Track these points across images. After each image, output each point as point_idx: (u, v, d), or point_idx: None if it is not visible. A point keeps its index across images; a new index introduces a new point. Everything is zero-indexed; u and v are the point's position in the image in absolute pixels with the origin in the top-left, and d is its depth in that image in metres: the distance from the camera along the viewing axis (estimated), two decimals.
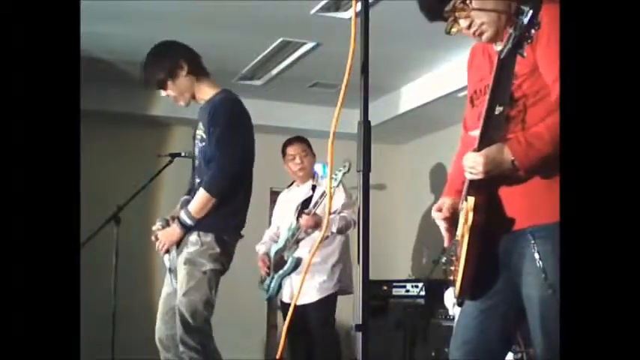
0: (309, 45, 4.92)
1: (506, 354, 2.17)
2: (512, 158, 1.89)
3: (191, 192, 3.27)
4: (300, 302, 4.22)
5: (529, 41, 1.83)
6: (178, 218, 3.18)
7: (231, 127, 3.15)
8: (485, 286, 2.05)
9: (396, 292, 5.51)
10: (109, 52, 5.13)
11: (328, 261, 4.47)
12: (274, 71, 5.45)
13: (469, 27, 2.01)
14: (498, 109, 1.90)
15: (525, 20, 1.83)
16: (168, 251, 3.23)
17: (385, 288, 5.55)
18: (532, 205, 1.95)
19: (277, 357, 2.51)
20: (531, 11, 1.83)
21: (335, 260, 4.49)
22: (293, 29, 4.73)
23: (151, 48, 3.37)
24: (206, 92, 3.30)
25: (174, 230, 3.19)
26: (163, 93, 3.32)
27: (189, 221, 3.14)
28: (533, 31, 1.82)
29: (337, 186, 4.31)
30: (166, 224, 3.27)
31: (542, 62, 1.92)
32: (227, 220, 3.20)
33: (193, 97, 3.32)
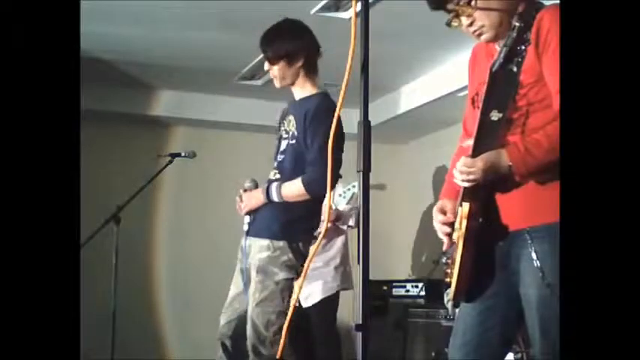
0: None
1: (505, 355, 2.17)
2: (510, 164, 1.89)
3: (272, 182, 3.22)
4: (303, 305, 4.27)
5: (520, 59, 1.85)
6: (267, 188, 3.17)
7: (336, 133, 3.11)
8: (480, 290, 2.06)
9: (396, 292, 5.51)
10: (109, 52, 5.13)
11: (330, 264, 4.51)
12: None
13: (470, 25, 2.02)
14: (497, 115, 1.91)
15: (514, 35, 1.85)
16: (248, 213, 3.23)
17: (385, 288, 5.55)
18: (529, 205, 1.96)
19: (277, 357, 2.51)
20: (520, 27, 1.85)
21: (337, 264, 4.54)
22: None
23: (284, 20, 3.30)
24: (307, 89, 3.26)
25: (259, 197, 3.18)
26: (266, 66, 3.28)
27: (275, 197, 3.14)
28: (523, 47, 1.84)
29: (347, 204, 4.32)
30: (254, 187, 3.26)
31: (547, 72, 1.92)
32: (297, 226, 3.18)
33: (291, 84, 3.28)
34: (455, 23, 2.03)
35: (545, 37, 1.90)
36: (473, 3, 1.99)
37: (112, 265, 4.39)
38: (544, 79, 1.93)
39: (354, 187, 4.12)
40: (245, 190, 3.27)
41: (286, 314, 3.14)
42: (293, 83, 3.27)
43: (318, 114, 3.12)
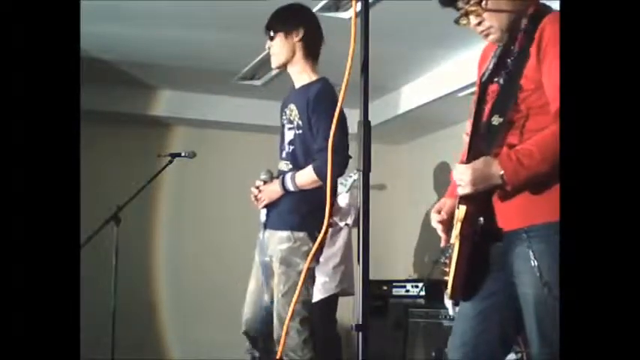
0: None
1: (505, 355, 2.17)
2: (502, 173, 1.90)
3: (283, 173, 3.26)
4: None
5: (507, 70, 1.87)
6: (283, 178, 3.20)
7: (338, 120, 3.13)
8: (477, 289, 2.06)
9: (396, 292, 5.51)
10: (109, 52, 5.13)
11: (329, 263, 4.50)
12: (274, 71, 5.45)
13: (478, 25, 2.03)
14: (498, 120, 1.92)
15: (501, 47, 1.87)
16: (265, 206, 3.26)
17: (385, 288, 5.55)
18: (526, 205, 1.96)
19: (277, 357, 2.52)
20: (508, 39, 1.86)
21: (337, 262, 4.53)
22: None
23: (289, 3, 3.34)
24: (306, 74, 3.26)
25: (276, 189, 3.21)
26: (267, 44, 3.28)
27: (291, 187, 3.17)
28: (509, 60, 1.86)
29: (347, 192, 4.34)
30: (270, 178, 3.28)
31: (545, 80, 1.93)
32: (315, 216, 3.14)
33: (287, 60, 3.25)
34: (464, 22, 2.04)
35: (546, 46, 1.92)
36: (483, 4, 2.00)
37: (112, 265, 4.39)
38: (543, 87, 1.94)
39: (354, 173, 4.12)
40: (265, 182, 3.29)
41: (310, 303, 3.18)
42: (289, 61, 3.25)
43: (320, 101, 3.14)
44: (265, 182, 3.28)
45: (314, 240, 3.15)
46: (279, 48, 3.23)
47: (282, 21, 3.22)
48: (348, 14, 4.28)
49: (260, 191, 3.26)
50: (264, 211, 3.28)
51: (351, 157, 3.27)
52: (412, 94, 5.83)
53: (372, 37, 1.83)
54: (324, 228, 2.08)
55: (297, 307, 3.10)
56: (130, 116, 6.02)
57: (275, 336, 3.15)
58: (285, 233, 3.17)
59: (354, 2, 1.85)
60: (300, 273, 3.11)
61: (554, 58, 1.88)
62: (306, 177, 3.15)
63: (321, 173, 3.10)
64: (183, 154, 4.65)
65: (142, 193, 4.47)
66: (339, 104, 1.87)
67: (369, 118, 1.83)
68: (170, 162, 4.61)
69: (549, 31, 1.92)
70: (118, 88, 5.77)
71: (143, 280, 5.98)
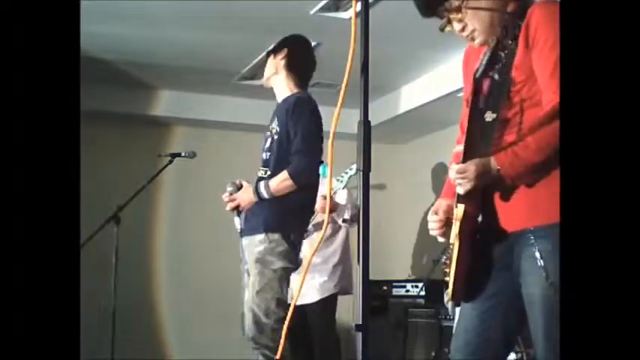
0: None
1: (507, 355, 2.17)
2: (498, 168, 1.90)
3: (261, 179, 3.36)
4: (300, 302, 4.25)
5: (499, 65, 1.88)
6: (256, 187, 3.27)
7: (315, 124, 3.30)
8: (479, 290, 2.05)
9: (396, 292, 5.51)
10: (109, 52, 5.14)
11: (329, 261, 4.49)
12: None
13: (462, 30, 2.04)
14: (491, 116, 1.92)
15: (494, 43, 1.88)
16: (238, 213, 3.33)
17: (385, 288, 5.56)
18: (531, 206, 1.96)
19: (277, 357, 2.52)
20: (501, 34, 1.87)
21: (336, 261, 4.52)
22: (293, 29, 4.72)
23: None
24: (288, 89, 3.41)
25: (251, 195, 3.27)
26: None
27: (265, 194, 3.24)
28: (502, 54, 1.86)
29: (344, 188, 4.34)
30: (236, 189, 3.34)
31: (537, 68, 1.93)
32: (291, 219, 3.28)
33: (271, 74, 3.45)
34: (448, 28, 2.05)
35: (534, 33, 1.92)
36: (463, 9, 2.00)
37: (112, 265, 4.39)
38: (535, 76, 1.94)
39: (351, 169, 4.13)
40: (231, 194, 3.34)
41: (285, 302, 3.19)
42: (272, 76, 3.42)
43: (298, 107, 3.28)
44: (232, 194, 3.34)
45: (288, 241, 3.23)
46: (267, 66, 3.46)
47: (274, 46, 3.49)
48: (348, 14, 4.28)
49: (233, 199, 3.32)
50: (237, 220, 3.34)
51: (322, 162, 3.39)
52: (412, 94, 5.84)
53: (371, 38, 1.84)
54: (324, 226, 2.08)
55: (271, 305, 3.15)
56: (130, 116, 6.02)
57: (250, 334, 3.17)
58: (260, 236, 3.22)
59: (354, 2, 1.85)
60: (275, 271, 3.18)
61: (545, 44, 1.88)
62: (281, 182, 3.22)
63: (296, 177, 3.19)
64: (183, 154, 4.66)
65: (142, 193, 4.48)
66: (338, 105, 1.87)
67: (369, 118, 1.83)
68: (170, 162, 4.62)
69: (536, 19, 1.92)
70: (118, 88, 5.78)
71: (143, 280, 5.98)
